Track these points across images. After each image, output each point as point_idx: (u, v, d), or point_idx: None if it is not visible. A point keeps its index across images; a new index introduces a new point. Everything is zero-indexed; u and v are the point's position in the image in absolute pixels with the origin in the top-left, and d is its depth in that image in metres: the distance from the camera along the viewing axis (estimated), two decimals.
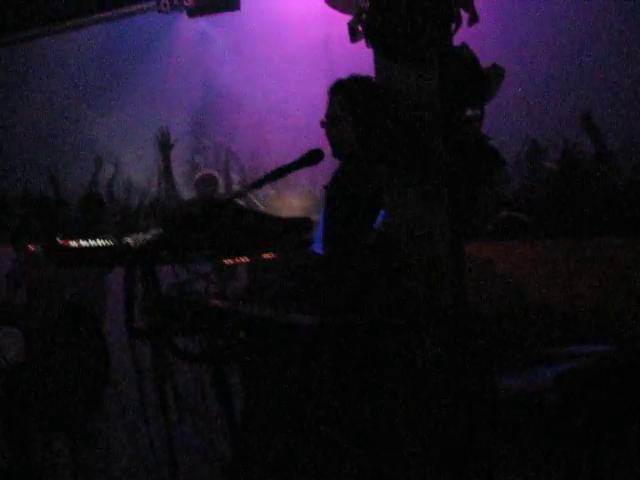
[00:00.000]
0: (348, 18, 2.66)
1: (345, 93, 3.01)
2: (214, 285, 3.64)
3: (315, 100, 3.52)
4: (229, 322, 2.57)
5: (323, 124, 3.07)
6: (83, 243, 4.93)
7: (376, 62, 2.51)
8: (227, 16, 6.52)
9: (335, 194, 3.07)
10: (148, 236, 3.82)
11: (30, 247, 4.81)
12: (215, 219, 3.14)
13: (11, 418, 4.31)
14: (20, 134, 8.06)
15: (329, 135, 3.06)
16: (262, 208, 6.13)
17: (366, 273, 2.51)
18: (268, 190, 6.21)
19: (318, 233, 3.32)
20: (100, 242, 4.81)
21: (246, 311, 2.49)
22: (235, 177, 6.73)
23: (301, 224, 3.55)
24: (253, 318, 2.41)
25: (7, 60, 7.74)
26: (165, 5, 6.47)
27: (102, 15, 6.55)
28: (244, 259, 3.63)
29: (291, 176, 4.28)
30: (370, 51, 2.64)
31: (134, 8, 6.51)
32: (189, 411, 3.56)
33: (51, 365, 4.35)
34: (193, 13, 6.59)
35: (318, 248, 3.28)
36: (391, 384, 2.56)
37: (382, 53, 2.41)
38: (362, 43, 2.71)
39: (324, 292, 2.84)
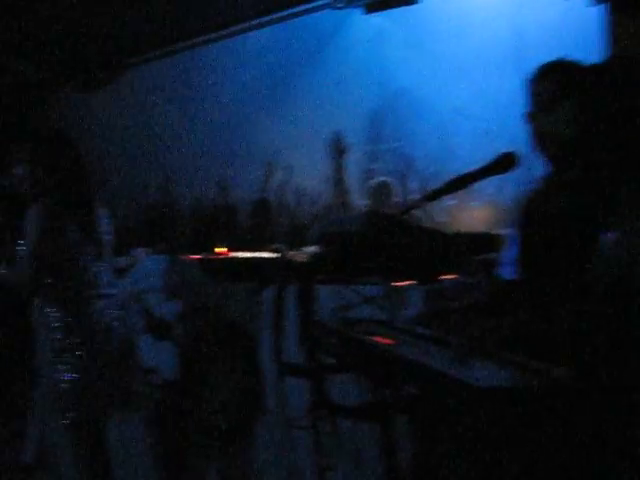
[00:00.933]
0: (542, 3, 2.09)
1: (561, 75, 2.34)
2: (383, 311, 3.19)
3: (504, 99, 2.99)
4: (393, 368, 2.00)
5: (528, 116, 2.40)
6: (241, 255, 4.58)
7: (610, 25, 1.85)
8: (406, 10, 6.05)
9: (538, 211, 2.39)
10: (308, 252, 3.38)
11: (190, 258, 4.53)
12: (383, 236, 2.65)
13: (165, 437, 4.07)
14: (190, 141, 8.06)
15: (537, 131, 2.37)
16: (442, 220, 5.68)
17: (587, 315, 1.89)
18: (448, 200, 5.69)
19: (507, 254, 2.70)
20: (261, 255, 4.44)
21: (415, 359, 1.91)
22: (413, 185, 6.29)
23: (484, 241, 3.05)
24: (425, 370, 1.83)
25: (177, 68, 7.74)
26: (341, 1, 6.12)
27: (273, 17, 6.29)
28: (418, 282, 3.13)
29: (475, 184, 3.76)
30: (572, 38, 2.03)
31: (306, 6, 6.19)
32: (346, 459, 3.12)
33: (203, 385, 4.09)
34: (370, 9, 6.18)
35: (506, 272, 2.66)
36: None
37: (619, 8, 1.73)
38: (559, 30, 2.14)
39: (520, 331, 2.23)
